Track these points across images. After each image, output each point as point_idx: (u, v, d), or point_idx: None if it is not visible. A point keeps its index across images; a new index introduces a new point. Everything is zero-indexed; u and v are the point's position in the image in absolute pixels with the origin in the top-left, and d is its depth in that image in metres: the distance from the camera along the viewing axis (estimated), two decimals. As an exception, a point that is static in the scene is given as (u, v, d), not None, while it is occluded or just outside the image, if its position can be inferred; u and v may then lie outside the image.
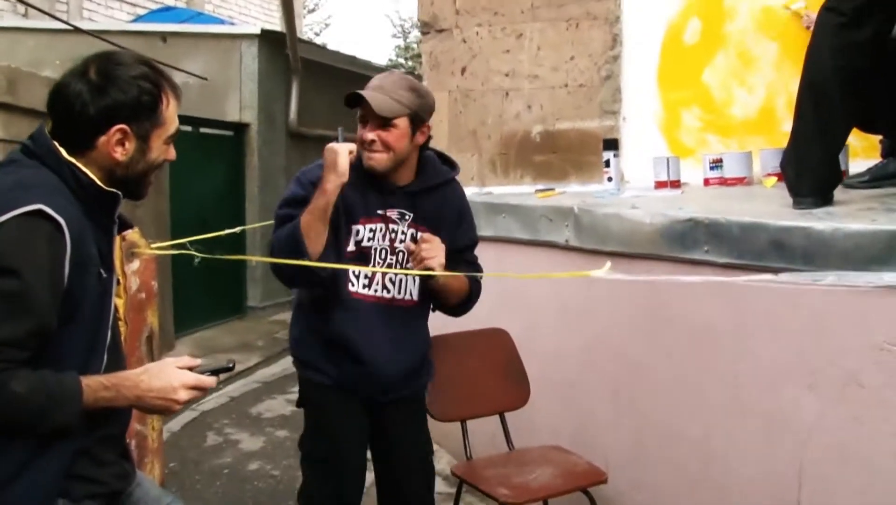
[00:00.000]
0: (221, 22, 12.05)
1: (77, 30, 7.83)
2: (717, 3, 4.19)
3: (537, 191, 4.10)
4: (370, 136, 2.33)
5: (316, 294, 2.46)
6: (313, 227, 2.27)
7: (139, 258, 2.80)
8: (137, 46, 8.76)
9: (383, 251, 2.44)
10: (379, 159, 2.35)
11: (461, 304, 2.56)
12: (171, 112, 1.76)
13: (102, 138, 1.64)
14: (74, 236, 1.53)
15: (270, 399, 6.28)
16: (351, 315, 2.41)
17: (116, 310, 1.79)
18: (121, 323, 2.06)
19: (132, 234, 2.67)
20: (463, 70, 4.61)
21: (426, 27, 4.75)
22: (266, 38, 9.48)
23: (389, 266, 2.44)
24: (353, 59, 11.42)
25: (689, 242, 2.53)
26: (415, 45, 26.12)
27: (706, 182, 3.86)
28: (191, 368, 1.68)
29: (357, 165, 2.34)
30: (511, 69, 4.50)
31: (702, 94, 4.21)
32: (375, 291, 2.43)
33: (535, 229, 3.33)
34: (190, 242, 2.66)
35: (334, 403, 2.48)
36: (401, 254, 2.44)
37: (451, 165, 2.58)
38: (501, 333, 3.14)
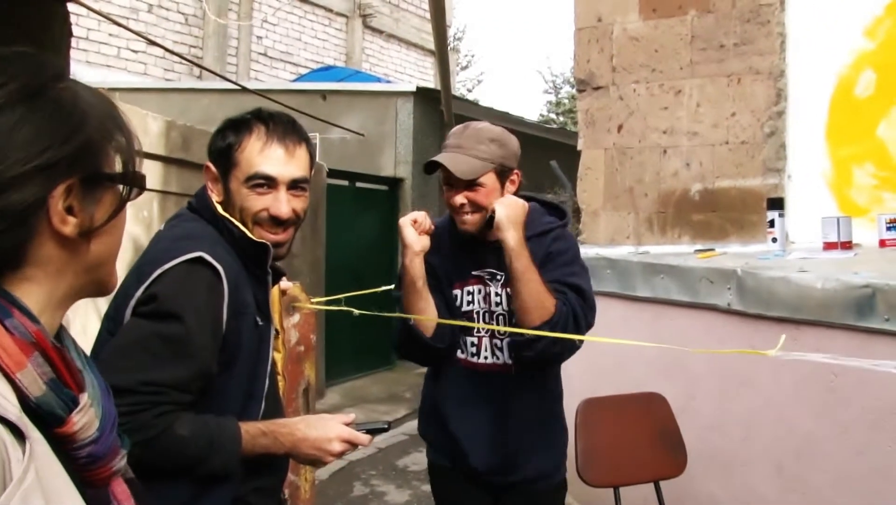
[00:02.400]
0: (378, 80, 12.48)
1: (244, 89, 8.27)
2: (893, 53, 3.97)
3: (697, 251, 3.96)
4: (458, 200, 2.19)
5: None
6: (413, 304, 2.18)
7: (299, 312, 2.86)
8: (299, 104, 9.18)
9: (485, 314, 2.26)
10: (472, 221, 2.20)
11: (541, 333, 2.06)
12: (247, 154, 1.70)
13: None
14: (231, 284, 1.59)
15: (417, 452, 6.27)
16: (455, 386, 2.27)
17: (274, 363, 1.82)
18: (279, 377, 2.09)
19: (293, 289, 2.73)
20: (619, 127, 4.55)
21: (582, 84, 4.73)
22: (421, 94, 9.72)
23: (492, 332, 2.23)
24: (505, 115, 11.52)
25: (866, 311, 2.36)
26: (566, 101, 26.20)
27: (882, 243, 3.62)
28: (347, 424, 1.68)
29: (447, 228, 2.29)
30: (669, 126, 4.41)
31: (876, 150, 3.99)
32: (486, 357, 2.24)
33: (694, 291, 3.20)
34: (346, 298, 2.69)
35: (449, 488, 2.35)
36: (501, 318, 2.24)
37: (560, 215, 2.34)
38: (658, 397, 3.02)
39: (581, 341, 2.12)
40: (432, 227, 2.20)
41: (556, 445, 2.33)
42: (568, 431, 2.40)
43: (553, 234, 2.25)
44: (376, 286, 3.42)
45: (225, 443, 1.55)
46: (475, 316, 2.25)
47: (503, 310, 2.21)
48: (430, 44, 12.00)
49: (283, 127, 1.73)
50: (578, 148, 4.75)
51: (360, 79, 12.07)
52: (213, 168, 1.73)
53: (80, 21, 10.45)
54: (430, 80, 15.57)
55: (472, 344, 2.24)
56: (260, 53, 13.73)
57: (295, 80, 12.86)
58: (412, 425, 7.03)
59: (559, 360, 2.22)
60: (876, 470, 2.38)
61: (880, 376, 2.32)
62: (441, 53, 8.12)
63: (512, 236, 2.07)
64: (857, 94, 4.08)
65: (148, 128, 5.10)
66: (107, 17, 8.84)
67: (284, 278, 2.04)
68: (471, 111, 11.02)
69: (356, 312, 2.56)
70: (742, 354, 2.96)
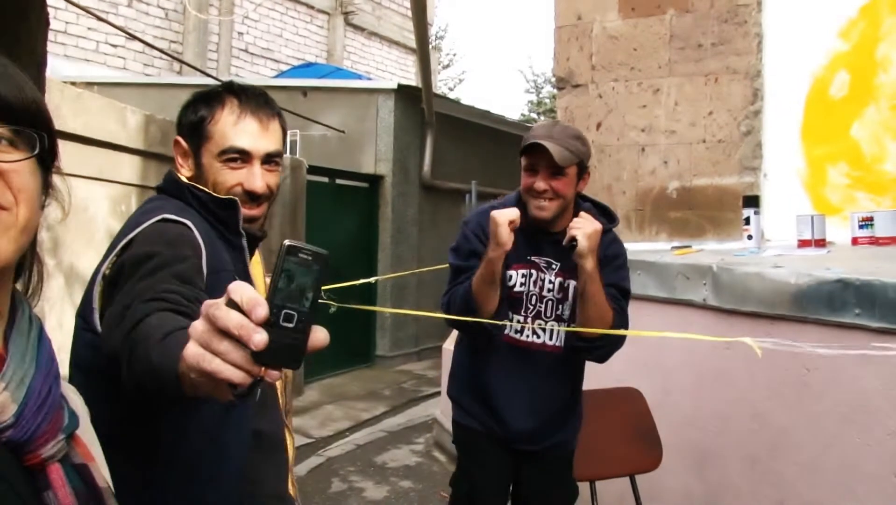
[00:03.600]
0: (359, 77, 12.46)
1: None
2: (868, 54, 4.03)
3: (674, 248, 4.00)
4: (542, 185, 2.34)
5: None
6: (483, 292, 2.31)
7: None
8: (280, 100, 9.12)
9: (533, 297, 2.44)
10: (549, 207, 2.36)
11: (602, 342, 2.36)
12: (220, 127, 1.65)
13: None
14: (206, 240, 1.54)
15: (396, 449, 6.29)
16: (497, 359, 2.45)
17: None
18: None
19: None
20: (598, 125, 4.58)
21: (562, 82, 4.76)
22: (402, 92, 9.71)
23: (538, 312, 2.43)
24: (486, 114, 11.55)
25: (838, 305, 2.40)
26: (547, 101, 26.28)
27: (854, 241, 3.67)
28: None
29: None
30: (647, 124, 4.45)
31: (850, 150, 4.04)
32: (527, 336, 2.44)
33: (671, 287, 3.24)
34: (326, 291, 2.68)
35: (477, 448, 2.51)
36: (549, 303, 2.44)
37: (610, 218, 2.53)
38: (634, 392, 3.05)
39: (625, 338, 2.42)
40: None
41: (576, 419, 2.58)
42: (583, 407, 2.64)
43: (609, 237, 2.44)
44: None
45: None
46: (524, 298, 2.44)
47: (553, 296, 2.43)
48: (412, 42, 12.00)
49: (256, 100, 1.69)
50: (558, 145, 4.76)
51: (341, 76, 12.04)
52: (183, 142, 1.68)
53: (59, 14, 10.35)
54: (412, 79, 15.56)
55: (518, 322, 2.42)
56: (241, 49, 13.67)
57: (276, 77, 12.82)
58: (391, 422, 7.07)
59: (608, 358, 2.47)
60: (846, 462, 2.42)
61: (850, 370, 2.37)
62: (422, 51, 8.14)
63: (590, 263, 2.24)
64: (831, 95, 4.13)
65: (126, 122, 5.07)
66: (86, 10, 8.79)
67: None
68: (452, 109, 11.04)
69: (333, 306, 2.55)
70: (717, 349, 3.01)
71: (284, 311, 0.79)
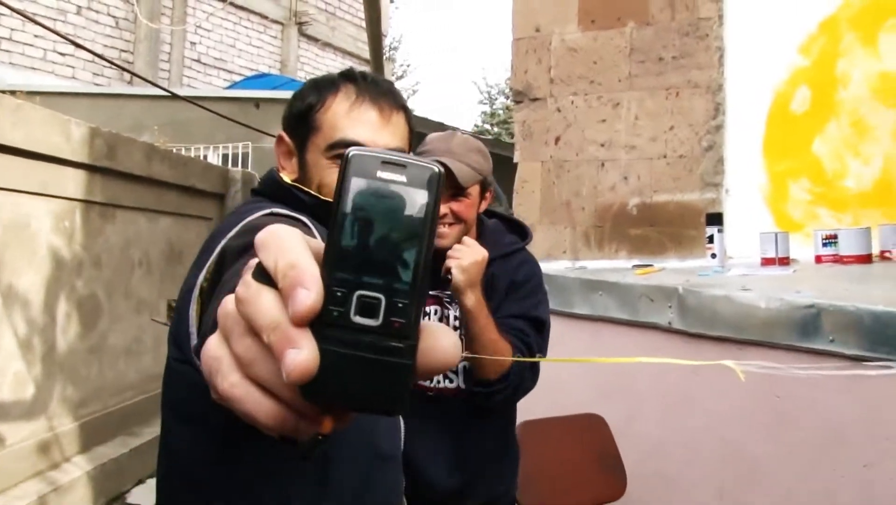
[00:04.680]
0: (314, 88, 12.25)
1: (175, 96, 8.02)
2: (828, 69, 3.98)
3: (635, 266, 3.90)
4: (442, 209, 1.96)
5: None
6: None
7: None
8: (232, 112, 8.95)
9: None
10: (449, 234, 2.01)
11: (502, 385, 1.98)
12: (330, 116, 1.38)
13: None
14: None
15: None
16: (410, 414, 2.05)
17: None
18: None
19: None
20: (557, 140, 4.48)
21: (519, 96, 4.65)
22: (356, 103, 9.52)
23: None
24: (440, 125, 11.44)
25: (811, 330, 2.30)
26: (501, 112, 26.31)
27: (818, 259, 3.61)
28: None
29: None
30: (607, 139, 4.35)
31: (812, 166, 3.99)
32: (437, 382, 2.06)
33: (634, 309, 3.13)
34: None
35: None
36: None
37: (522, 234, 2.22)
38: (597, 419, 2.93)
39: (536, 380, 2.04)
40: None
41: (511, 467, 2.21)
42: (519, 452, 2.26)
43: (518, 258, 2.13)
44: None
45: None
46: None
47: (461, 335, 1.99)
48: (366, 52, 11.84)
49: (378, 86, 1.42)
50: (515, 160, 4.66)
51: (294, 87, 11.82)
52: (286, 138, 1.44)
53: (3, 20, 10.04)
54: (367, 90, 15.38)
55: None
56: (193, 60, 13.42)
57: (228, 88, 12.59)
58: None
59: (519, 399, 2.09)
60: (820, 494, 2.32)
61: (825, 399, 2.27)
62: (376, 62, 7.99)
63: (469, 299, 1.91)
64: (793, 110, 4.08)
65: (70, 134, 4.85)
66: (31, 18, 8.49)
67: None
68: (407, 121, 10.86)
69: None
70: (685, 374, 2.90)
71: (358, 293, 0.46)
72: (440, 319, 2.06)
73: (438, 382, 2.05)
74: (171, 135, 8.98)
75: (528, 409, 2.51)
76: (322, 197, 1.36)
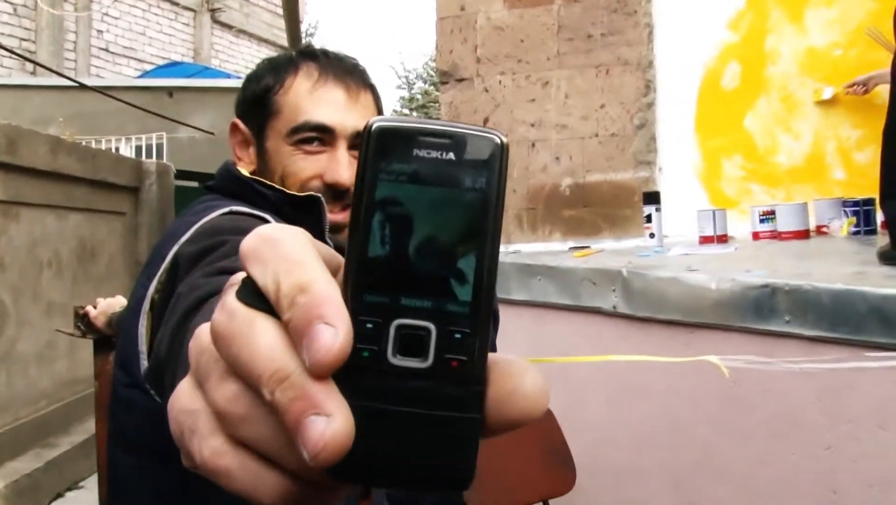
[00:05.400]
0: (228, 76, 11.94)
1: (82, 86, 7.64)
2: (757, 45, 3.95)
3: (572, 248, 3.80)
4: None
5: None
6: None
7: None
8: (144, 102, 8.62)
9: None
10: None
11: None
12: (292, 97, 1.24)
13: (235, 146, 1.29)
14: None
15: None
16: None
17: None
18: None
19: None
20: (485, 121, 4.34)
21: (445, 76, 4.50)
22: (273, 90, 9.28)
23: None
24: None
25: (766, 312, 2.21)
26: (419, 96, 26.18)
27: (755, 236, 3.57)
28: None
29: None
30: (537, 119, 4.24)
31: (744, 142, 3.96)
32: None
33: (576, 294, 3.01)
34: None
35: None
36: None
37: None
38: (542, 409, 2.81)
39: None
40: None
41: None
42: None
43: None
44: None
45: None
46: None
47: None
48: (283, 39, 11.58)
49: (343, 63, 1.28)
50: (444, 144, 4.51)
51: (209, 75, 11.53)
52: (241, 126, 1.28)
53: None
54: (283, 77, 15.08)
55: None
56: (101, 48, 12.92)
57: (140, 77, 12.15)
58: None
59: None
60: (780, 480, 2.24)
61: (781, 383, 2.19)
62: (294, 49, 7.76)
63: None
64: (724, 86, 4.04)
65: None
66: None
67: None
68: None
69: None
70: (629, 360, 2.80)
71: (396, 323, 0.35)
72: None
73: None
74: (80, 127, 8.60)
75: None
76: (287, 190, 1.20)
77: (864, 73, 3.63)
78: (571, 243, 4.04)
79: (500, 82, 4.32)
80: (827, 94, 3.79)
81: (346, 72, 1.27)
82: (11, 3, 11.55)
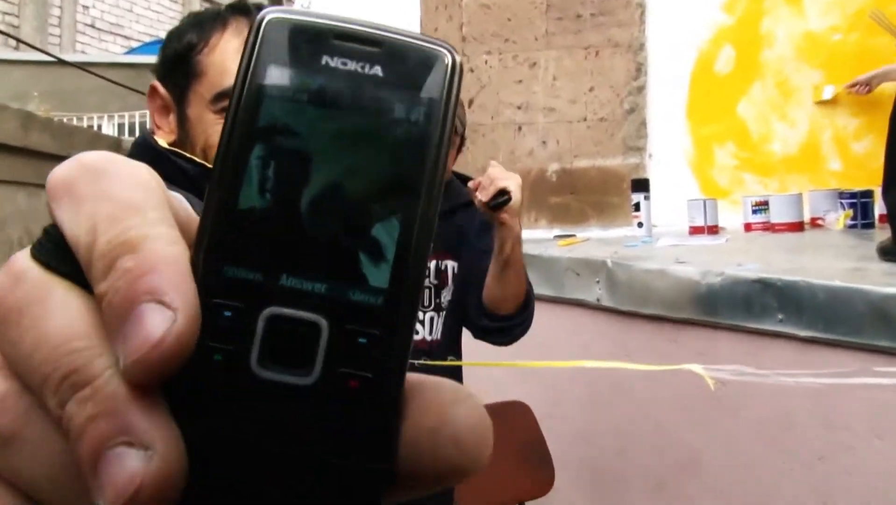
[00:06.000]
0: (215, 54, 11.75)
1: (62, 62, 7.43)
2: (752, 29, 3.80)
3: (556, 237, 3.66)
4: None
5: None
6: None
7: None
8: (128, 79, 8.42)
9: None
10: None
11: (524, 316, 1.94)
12: (217, 57, 1.09)
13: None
14: None
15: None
16: None
17: None
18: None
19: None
20: (470, 102, 4.18)
21: (430, 56, 4.33)
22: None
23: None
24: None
25: (757, 309, 2.07)
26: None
27: (748, 227, 3.42)
28: None
29: None
30: (524, 101, 4.08)
31: (737, 129, 3.81)
32: None
33: (559, 285, 2.87)
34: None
35: None
36: (426, 291, 1.96)
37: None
38: (521, 406, 2.67)
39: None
40: None
41: None
42: None
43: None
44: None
45: None
46: None
47: (430, 283, 1.94)
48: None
49: None
50: (427, 125, 4.35)
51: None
52: (161, 89, 1.13)
53: None
54: (273, 56, 14.94)
55: None
56: (87, 25, 12.68)
57: (126, 54, 11.94)
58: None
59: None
60: (767, 487, 2.11)
61: (771, 386, 2.04)
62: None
63: (519, 224, 1.83)
64: (717, 71, 3.89)
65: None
66: None
67: None
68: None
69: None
70: (613, 355, 2.66)
71: (268, 312, 0.24)
72: (454, 275, 1.95)
73: (430, 333, 1.96)
74: (58, 103, 8.39)
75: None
76: (202, 162, 1.06)
77: (866, 72, 3.48)
78: (557, 231, 3.90)
79: (485, 62, 4.16)
80: (827, 93, 3.64)
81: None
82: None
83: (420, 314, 1.96)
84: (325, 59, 0.25)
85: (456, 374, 2.06)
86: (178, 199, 0.27)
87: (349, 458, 0.24)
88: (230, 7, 1.13)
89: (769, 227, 3.29)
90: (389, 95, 0.26)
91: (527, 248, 3.21)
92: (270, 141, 0.25)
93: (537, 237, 3.80)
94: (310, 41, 0.26)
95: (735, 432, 2.18)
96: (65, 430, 0.22)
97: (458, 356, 2.09)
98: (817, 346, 1.93)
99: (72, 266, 0.24)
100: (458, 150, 2.02)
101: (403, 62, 0.26)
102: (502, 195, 1.75)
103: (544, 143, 4.05)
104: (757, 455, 2.11)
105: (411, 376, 0.26)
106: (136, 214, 0.24)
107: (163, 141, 1.10)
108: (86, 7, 12.71)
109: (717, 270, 2.20)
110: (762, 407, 2.09)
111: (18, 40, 9.16)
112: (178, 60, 1.11)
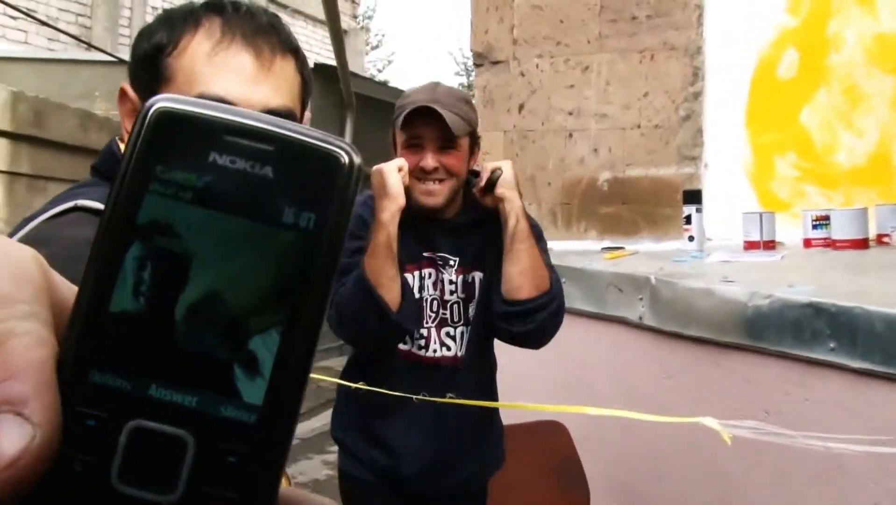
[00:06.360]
0: (278, 56, 11.86)
1: (121, 61, 7.55)
2: (818, 31, 3.60)
3: (604, 249, 3.52)
4: (432, 162, 1.85)
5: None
6: (381, 271, 1.75)
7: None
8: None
9: (435, 302, 1.94)
10: (441, 191, 1.88)
11: (545, 299, 1.85)
12: (187, 61, 0.98)
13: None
14: None
15: (306, 459, 5.75)
16: (395, 383, 1.87)
17: None
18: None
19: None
20: (521, 107, 4.07)
21: (479, 59, 4.23)
22: (319, 72, 9.13)
23: (443, 320, 1.93)
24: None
25: (807, 336, 1.91)
26: (478, 83, 25.90)
27: (807, 243, 3.23)
28: None
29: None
30: (575, 107, 3.95)
31: (799, 138, 3.61)
32: (434, 350, 1.93)
33: (601, 301, 2.74)
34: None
35: None
36: (455, 306, 1.95)
37: None
38: (558, 426, 2.58)
39: (561, 322, 1.93)
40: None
41: (492, 444, 2.10)
42: (503, 426, 2.15)
43: None
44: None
45: None
46: (426, 304, 1.94)
47: (458, 298, 1.95)
48: (345, 21, 11.46)
49: (254, 21, 1.00)
50: (476, 130, 4.26)
51: (258, 54, 11.45)
52: (131, 92, 1.04)
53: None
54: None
55: (420, 335, 1.93)
56: (155, 26, 12.94)
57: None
58: (304, 428, 6.48)
59: (547, 339, 1.96)
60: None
61: (822, 419, 1.89)
62: (334, 29, 7.57)
63: (517, 197, 1.86)
64: (779, 76, 3.70)
65: (-13, 99, 4.53)
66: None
67: None
68: (373, 91, 10.52)
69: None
70: (657, 375, 2.52)
71: (133, 425, 0.24)
72: (434, 284, 1.93)
73: (435, 350, 1.94)
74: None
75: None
76: None
77: None
78: (607, 242, 3.76)
79: (537, 66, 4.04)
80: None
81: (257, 31, 1.00)
82: (69, -21, 11.58)
83: (451, 329, 1.94)
84: (213, 155, 0.25)
85: (489, 390, 2.05)
86: (68, 285, 0.26)
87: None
88: (205, 4, 1.03)
89: (830, 244, 3.10)
90: (278, 199, 0.25)
91: (571, 261, 3.10)
92: (149, 240, 0.24)
93: (585, 249, 3.67)
94: (198, 136, 0.25)
95: (782, 467, 2.03)
96: None
97: (491, 368, 2.08)
98: (872, 379, 1.76)
99: None
100: (472, 151, 1.96)
101: (297, 163, 0.25)
102: (496, 172, 1.83)
103: (596, 150, 3.91)
104: (805, 494, 1.95)
105: (287, 495, 0.25)
106: (4, 307, 0.23)
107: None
108: (155, 8, 12.94)
109: (766, 292, 2.05)
110: (809, 432, 1.94)
111: (77, 38, 9.34)
112: (146, 62, 1.01)
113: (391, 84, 15.04)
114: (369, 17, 25.13)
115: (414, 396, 1.82)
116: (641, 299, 2.53)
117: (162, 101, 0.25)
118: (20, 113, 4.77)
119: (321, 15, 16.88)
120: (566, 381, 2.86)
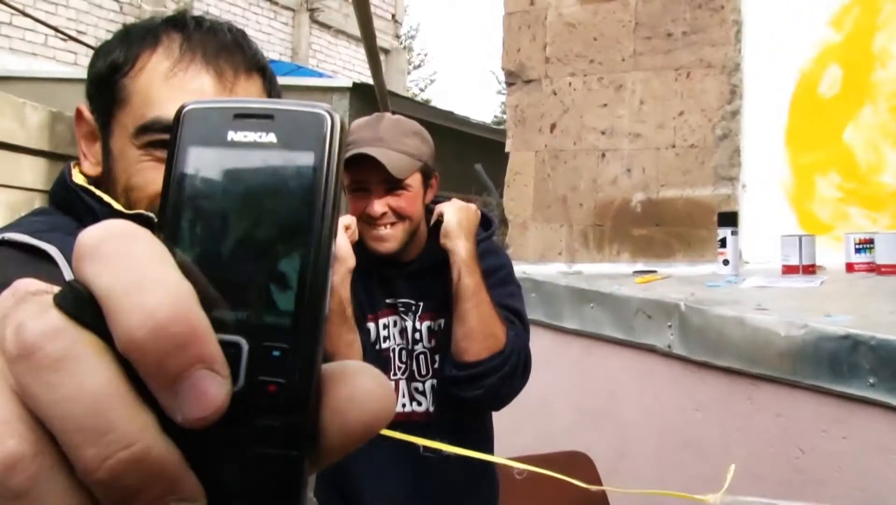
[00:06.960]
0: (321, 75, 11.90)
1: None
2: (863, 46, 3.46)
3: (636, 272, 3.40)
4: (379, 208, 1.71)
5: None
6: (337, 339, 1.63)
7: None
8: (228, 99, 8.61)
9: (403, 352, 1.79)
10: (393, 236, 1.74)
11: (492, 363, 1.67)
12: (143, 83, 0.91)
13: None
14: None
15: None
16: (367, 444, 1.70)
17: None
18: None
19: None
20: (552, 127, 3.98)
21: (511, 77, 4.15)
22: (359, 91, 9.13)
23: (412, 373, 1.77)
24: (449, 115, 10.95)
25: (845, 370, 1.79)
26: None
27: (850, 268, 3.09)
28: None
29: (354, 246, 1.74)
30: (609, 126, 3.84)
31: (842, 158, 3.47)
32: (403, 405, 1.78)
33: (629, 327, 2.62)
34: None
35: None
36: (422, 357, 1.79)
37: (485, 224, 1.89)
38: (582, 458, 2.47)
39: (527, 378, 1.76)
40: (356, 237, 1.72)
41: (488, 493, 1.92)
42: (499, 480, 1.93)
43: (481, 248, 1.82)
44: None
45: None
46: (392, 354, 1.80)
47: (424, 347, 1.80)
48: (382, 40, 11.48)
49: (217, 39, 0.93)
50: (506, 149, 4.17)
51: (301, 74, 11.50)
52: (87, 113, 0.97)
53: (2, 7, 9.78)
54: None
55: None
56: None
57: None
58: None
59: (506, 401, 1.77)
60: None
61: (857, 460, 1.76)
62: (370, 49, 7.55)
63: (464, 246, 1.71)
64: (821, 93, 3.55)
65: (26, 119, 4.54)
66: (21, 11, 8.16)
67: None
68: (411, 109, 10.43)
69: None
70: (686, 406, 2.40)
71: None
72: (400, 333, 1.79)
73: (404, 405, 1.80)
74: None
75: (512, 433, 2.06)
76: (121, 208, 0.89)
77: None
78: (640, 265, 3.64)
79: (569, 84, 3.95)
80: None
81: (219, 50, 0.92)
82: (118, 1, 11.79)
83: (419, 384, 1.79)
84: (229, 134, 0.32)
85: (474, 447, 1.78)
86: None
87: (269, 448, 0.29)
88: (166, 20, 0.95)
89: (874, 269, 2.95)
90: (282, 155, 0.32)
91: (601, 285, 2.99)
92: (195, 205, 0.31)
93: (617, 272, 3.56)
94: (216, 122, 0.32)
95: (822, 498, 1.90)
96: (96, 482, 0.25)
97: (473, 423, 1.88)
98: (915, 417, 1.64)
99: (94, 321, 0.28)
100: (428, 186, 1.82)
101: (290, 125, 0.32)
102: (439, 218, 1.75)
103: (629, 171, 3.80)
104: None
105: (324, 366, 0.31)
106: (168, 285, 0.28)
107: (79, 176, 0.94)
108: (200, 24, 13.15)
109: (801, 322, 1.92)
110: (846, 483, 1.81)
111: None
112: (101, 82, 0.94)
113: (432, 103, 15.06)
114: (412, 37, 25.27)
115: (421, 445, 1.67)
116: (670, 326, 2.41)
117: (191, 104, 0.33)
118: (58, 133, 4.80)
119: (363, 35, 16.94)
120: (593, 409, 2.74)
